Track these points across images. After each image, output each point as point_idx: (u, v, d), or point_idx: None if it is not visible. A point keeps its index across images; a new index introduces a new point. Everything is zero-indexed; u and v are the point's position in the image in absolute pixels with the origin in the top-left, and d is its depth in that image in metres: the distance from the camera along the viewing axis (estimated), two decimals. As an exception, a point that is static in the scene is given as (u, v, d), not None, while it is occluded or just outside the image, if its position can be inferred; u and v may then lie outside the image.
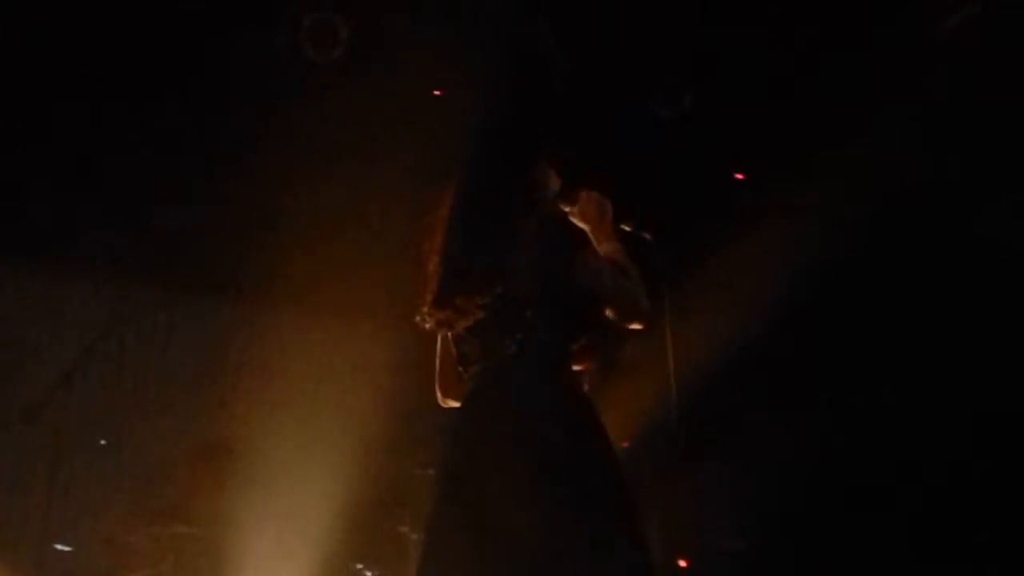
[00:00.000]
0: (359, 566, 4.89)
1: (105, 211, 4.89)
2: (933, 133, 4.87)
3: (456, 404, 2.48)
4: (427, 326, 2.46)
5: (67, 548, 4.32)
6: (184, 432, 5.14)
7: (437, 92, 5.64)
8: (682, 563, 5.56)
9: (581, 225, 2.59)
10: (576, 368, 2.39)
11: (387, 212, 4.81)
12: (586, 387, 2.46)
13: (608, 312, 2.41)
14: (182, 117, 4.62)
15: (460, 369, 2.46)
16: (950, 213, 5.04)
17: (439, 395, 2.58)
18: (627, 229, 2.70)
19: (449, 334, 2.49)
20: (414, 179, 4.54)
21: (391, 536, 5.01)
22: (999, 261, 4.93)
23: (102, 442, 5.17)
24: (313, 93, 4.52)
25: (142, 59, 4.37)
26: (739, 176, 5.79)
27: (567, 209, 2.62)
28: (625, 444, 5.71)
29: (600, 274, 2.39)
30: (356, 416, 5.09)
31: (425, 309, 2.44)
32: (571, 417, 2.29)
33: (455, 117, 5.07)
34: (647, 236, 2.78)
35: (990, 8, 4.47)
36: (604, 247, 2.51)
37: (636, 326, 2.46)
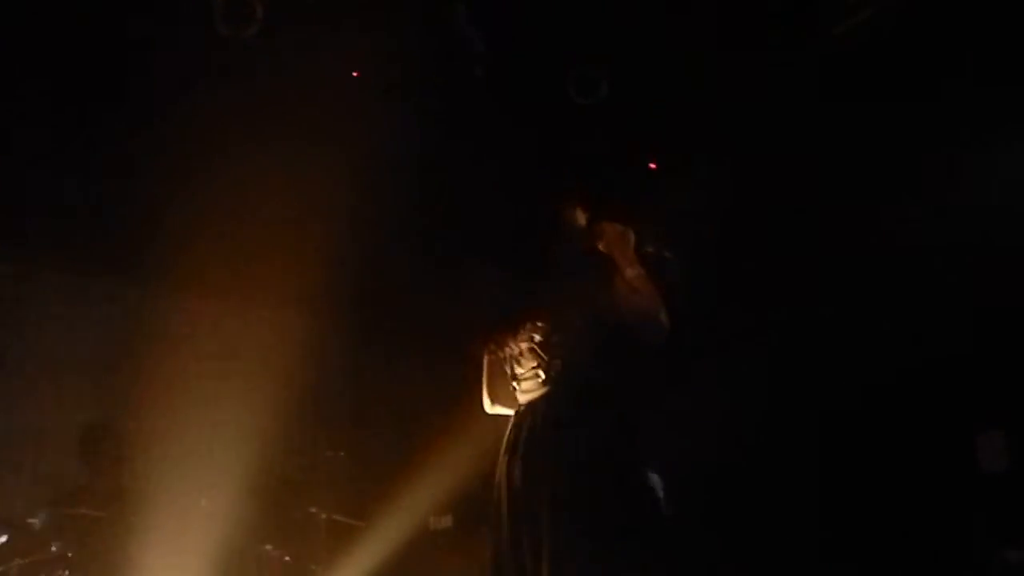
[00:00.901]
0: (268, 547, 4.90)
1: (4, 192, 4.77)
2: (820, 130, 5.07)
3: (504, 410, 2.90)
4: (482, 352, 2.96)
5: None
6: (88, 414, 5.06)
7: (355, 73, 5.62)
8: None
9: (608, 253, 2.85)
10: None
11: (292, 199, 4.80)
12: None
13: (631, 332, 2.73)
14: (83, 98, 4.51)
15: (513, 385, 2.85)
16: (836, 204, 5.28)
17: (487, 403, 2.98)
18: (650, 251, 2.91)
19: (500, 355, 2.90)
20: (320, 167, 4.55)
21: (300, 517, 5.03)
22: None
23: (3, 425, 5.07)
24: (221, 73, 4.46)
25: (36, 35, 4.25)
26: (652, 166, 5.89)
27: (596, 241, 2.89)
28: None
29: (626, 299, 2.72)
30: (263, 399, 5.08)
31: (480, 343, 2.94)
32: (600, 436, 2.64)
33: (365, 102, 5.11)
34: (669, 256, 2.96)
35: (881, 13, 4.65)
36: (629, 272, 2.78)
37: (657, 340, 2.75)
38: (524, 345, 2.80)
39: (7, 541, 4.33)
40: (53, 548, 4.32)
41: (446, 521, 5.48)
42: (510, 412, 2.87)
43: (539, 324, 2.78)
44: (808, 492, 5.67)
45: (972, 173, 5.00)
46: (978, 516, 5.11)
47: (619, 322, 2.71)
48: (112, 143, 4.67)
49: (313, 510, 4.99)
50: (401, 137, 5.42)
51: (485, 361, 2.98)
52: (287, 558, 4.89)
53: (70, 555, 4.33)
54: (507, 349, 2.84)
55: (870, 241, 5.41)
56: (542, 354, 2.76)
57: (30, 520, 4.46)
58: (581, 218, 2.95)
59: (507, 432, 2.82)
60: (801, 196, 5.48)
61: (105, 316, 5.31)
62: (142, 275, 5.15)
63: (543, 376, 2.74)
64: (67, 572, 4.29)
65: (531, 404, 2.76)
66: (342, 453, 5.55)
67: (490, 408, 2.97)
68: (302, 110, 4.64)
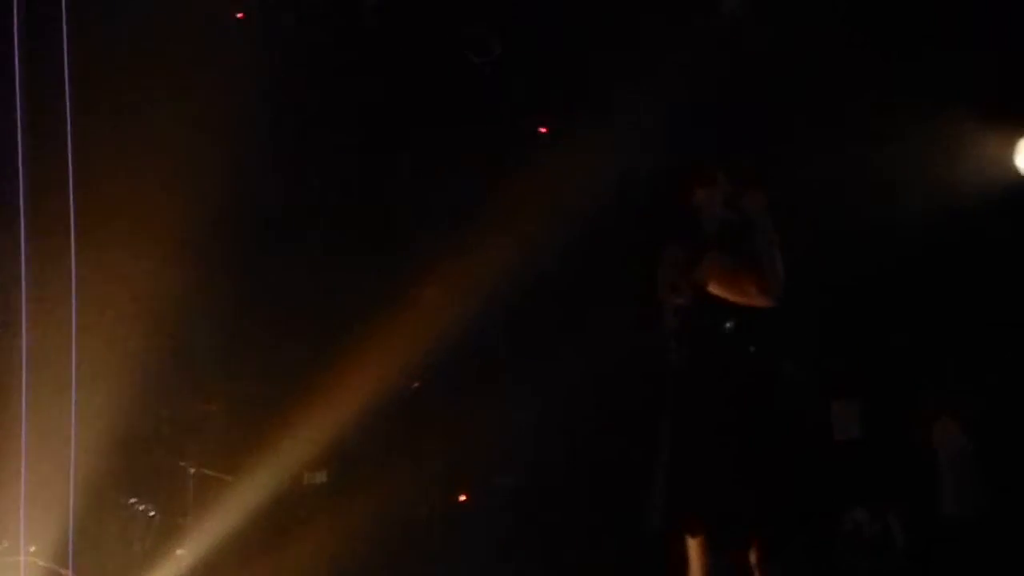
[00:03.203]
0: (133, 500, 4.76)
1: None
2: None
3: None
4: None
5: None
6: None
7: (240, 15, 5.43)
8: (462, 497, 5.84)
9: (753, 216, 3.01)
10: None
11: (172, 153, 4.66)
12: None
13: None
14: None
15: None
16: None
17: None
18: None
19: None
20: (198, 121, 4.41)
21: (168, 471, 4.91)
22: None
23: None
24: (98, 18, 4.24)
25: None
26: (543, 130, 5.93)
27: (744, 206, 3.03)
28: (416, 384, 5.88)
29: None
30: (138, 351, 4.92)
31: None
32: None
33: (247, 49, 4.97)
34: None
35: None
36: (770, 234, 2.99)
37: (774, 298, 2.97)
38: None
39: None
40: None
41: (320, 476, 5.43)
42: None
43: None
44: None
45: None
46: (831, 479, 5.42)
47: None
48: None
49: (182, 464, 4.87)
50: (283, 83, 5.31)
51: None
52: (152, 513, 4.77)
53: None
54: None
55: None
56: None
57: None
58: (721, 190, 3.07)
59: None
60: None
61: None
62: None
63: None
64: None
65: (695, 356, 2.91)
66: (213, 407, 5.43)
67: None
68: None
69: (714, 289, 2.91)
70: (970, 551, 4.91)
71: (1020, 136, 5.30)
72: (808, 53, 5.17)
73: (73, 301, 4.24)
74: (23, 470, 4.05)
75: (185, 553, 4.63)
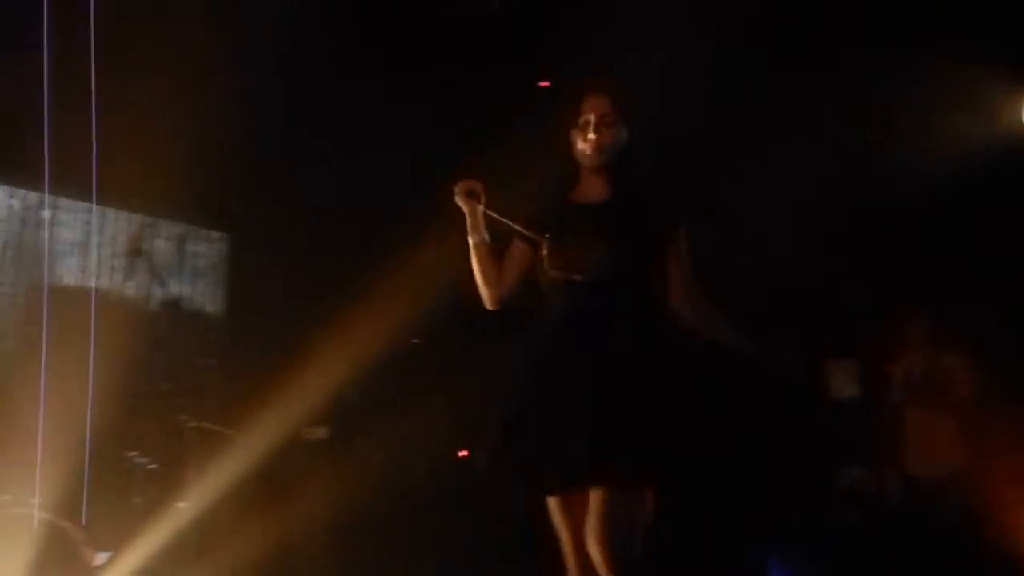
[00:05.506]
0: (133, 453, 4.77)
1: None
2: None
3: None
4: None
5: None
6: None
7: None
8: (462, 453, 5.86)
9: None
10: None
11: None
12: None
13: None
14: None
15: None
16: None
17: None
18: None
19: None
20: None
21: (169, 425, 4.90)
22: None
23: None
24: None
25: None
26: (544, 84, 5.85)
27: None
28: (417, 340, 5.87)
29: None
30: (133, 306, 4.89)
31: None
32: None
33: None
34: None
35: None
36: None
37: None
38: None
39: None
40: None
41: (320, 432, 5.45)
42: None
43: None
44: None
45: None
46: (827, 438, 5.48)
47: None
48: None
49: (182, 418, 4.87)
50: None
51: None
52: (153, 466, 4.78)
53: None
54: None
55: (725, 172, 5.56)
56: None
57: None
58: None
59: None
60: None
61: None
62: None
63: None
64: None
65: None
66: (213, 361, 5.42)
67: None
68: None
69: None
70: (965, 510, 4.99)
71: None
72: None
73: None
74: (40, 424, 4.03)
75: (186, 506, 4.65)
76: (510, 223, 2.91)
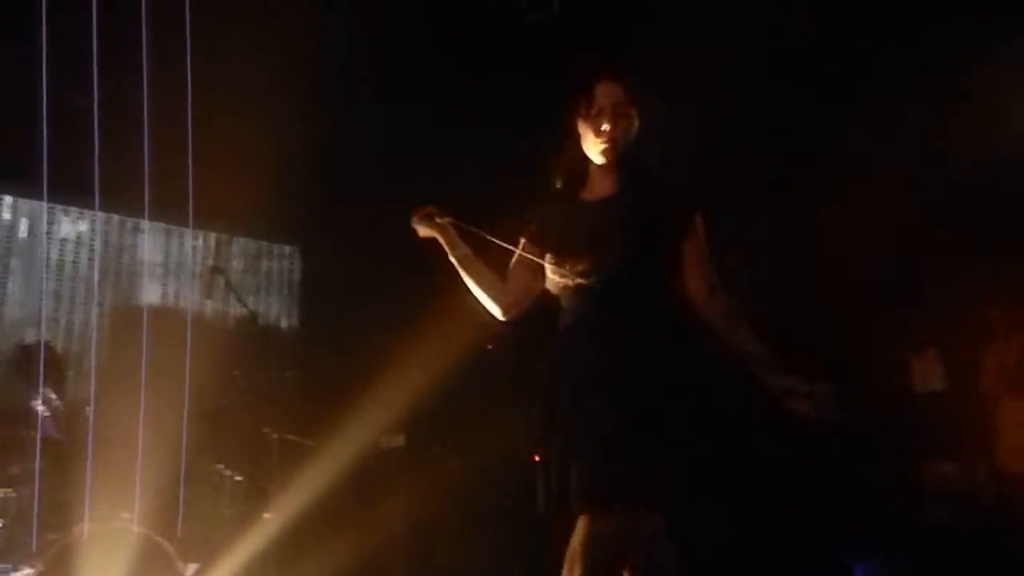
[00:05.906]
0: (220, 466, 4.86)
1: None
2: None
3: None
4: None
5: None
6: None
7: None
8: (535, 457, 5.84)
9: None
10: None
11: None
12: None
13: None
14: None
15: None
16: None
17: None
18: None
19: None
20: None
21: (252, 437, 4.99)
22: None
23: None
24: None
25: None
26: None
27: None
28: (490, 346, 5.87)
29: None
30: (210, 320, 4.99)
31: None
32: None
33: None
34: None
35: None
36: None
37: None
38: None
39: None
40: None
41: (397, 440, 5.49)
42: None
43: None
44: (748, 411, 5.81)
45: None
46: (913, 432, 5.34)
47: None
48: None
49: (265, 430, 4.96)
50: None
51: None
52: (239, 478, 4.87)
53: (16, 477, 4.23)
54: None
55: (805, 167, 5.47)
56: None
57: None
58: None
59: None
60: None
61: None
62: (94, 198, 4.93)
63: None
64: (11, 489, 4.19)
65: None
66: (289, 373, 5.50)
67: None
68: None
69: None
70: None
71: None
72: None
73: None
74: (139, 441, 4.13)
75: (272, 516, 4.73)
76: (486, 235, 2.74)
